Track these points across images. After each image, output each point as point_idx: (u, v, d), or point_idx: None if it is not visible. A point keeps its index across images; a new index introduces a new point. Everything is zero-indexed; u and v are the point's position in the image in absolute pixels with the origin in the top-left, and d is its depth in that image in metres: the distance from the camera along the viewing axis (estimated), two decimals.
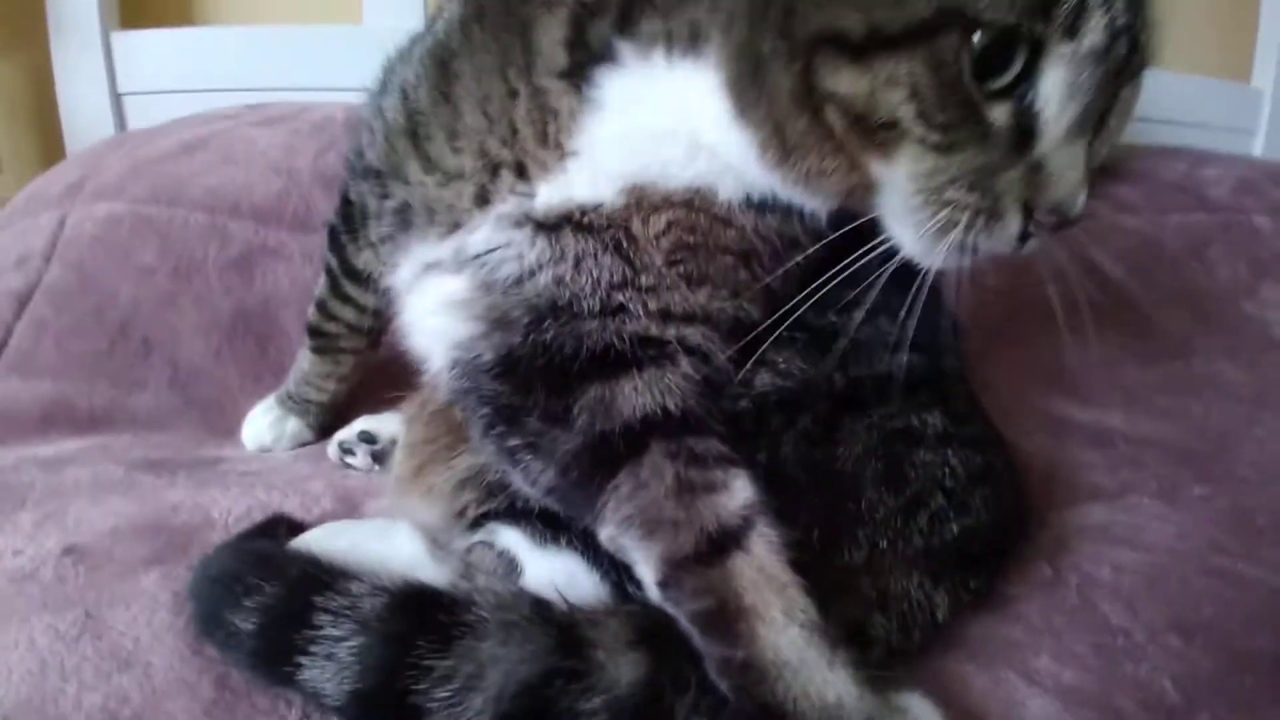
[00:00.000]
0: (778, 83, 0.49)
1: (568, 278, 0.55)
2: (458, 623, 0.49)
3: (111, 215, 1.05)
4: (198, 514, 0.69)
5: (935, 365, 0.63)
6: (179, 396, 0.95)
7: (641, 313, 0.55)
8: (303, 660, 0.49)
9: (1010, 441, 0.69)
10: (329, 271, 0.81)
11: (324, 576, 0.52)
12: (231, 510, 0.70)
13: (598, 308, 0.55)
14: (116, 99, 1.46)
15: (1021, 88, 0.46)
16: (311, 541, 0.62)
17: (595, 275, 0.55)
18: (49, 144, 1.55)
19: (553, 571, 0.55)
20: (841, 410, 0.58)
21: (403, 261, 0.65)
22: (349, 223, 0.74)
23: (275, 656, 0.50)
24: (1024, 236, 0.49)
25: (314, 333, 0.85)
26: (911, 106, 0.46)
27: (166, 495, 0.71)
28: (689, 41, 0.52)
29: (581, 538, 0.55)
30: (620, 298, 0.55)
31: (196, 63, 1.43)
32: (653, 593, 0.52)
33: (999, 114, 0.46)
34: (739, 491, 0.53)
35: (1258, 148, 1.81)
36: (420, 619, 0.50)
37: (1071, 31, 0.44)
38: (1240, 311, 1.21)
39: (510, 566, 0.56)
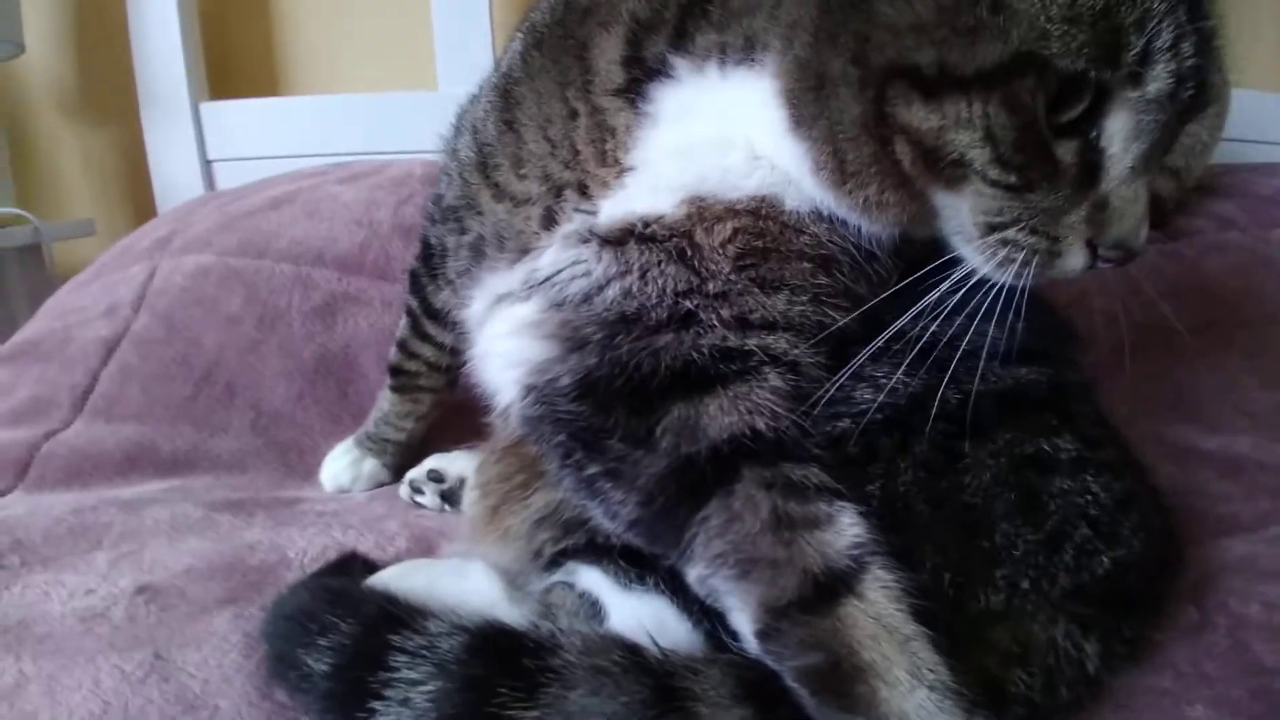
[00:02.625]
0: (844, 107, 0.48)
1: (635, 289, 0.54)
2: (543, 668, 0.46)
3: (200, 267, 1.08)
4: (274, 553, 0.68)
5: (1056, 380, 0.57)
6: (260, 439, 0.96)
7: (716, 321, 0.53)
8: (376, 705, 0.46)
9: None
10: (410, 313, 0.83)
11: (400, 614, 0.50)
12: (307, 550, 0.69)
13: (665, 316, 0.54)
14: (206, 165, 1.53)
15: (1088, 127, 0.46)
16: (387, 580, 0.60)
17: (661, 284, 0.54)
18: (141, 210, 1.63)
19: (639, 616, 0.51)
20: (961, 434, 0.53)
21: (477, 295, 0.65)
22: (429, 264, 0.76)
23: (348, 699, 0.47)
24: (1090, 267, 0.49)
25: (395, 371, 0.87)
26: (985, 150, 0.46)
27: (243, 535, 0.71)
28: (744, 51, 0.52)
29: (670, 579, 0.51)
30: (688, 304, 0.54)
31: (281, 130, 1.50)
32: (751, 644, 0.47)
33: (1065, 152, 0.47)
34: (847, 527, 0.48)
35: None
36: (502, 662, 0.46)
37: (1136, 78, 0.45)
38: None
39: (593, 609, 0.53)
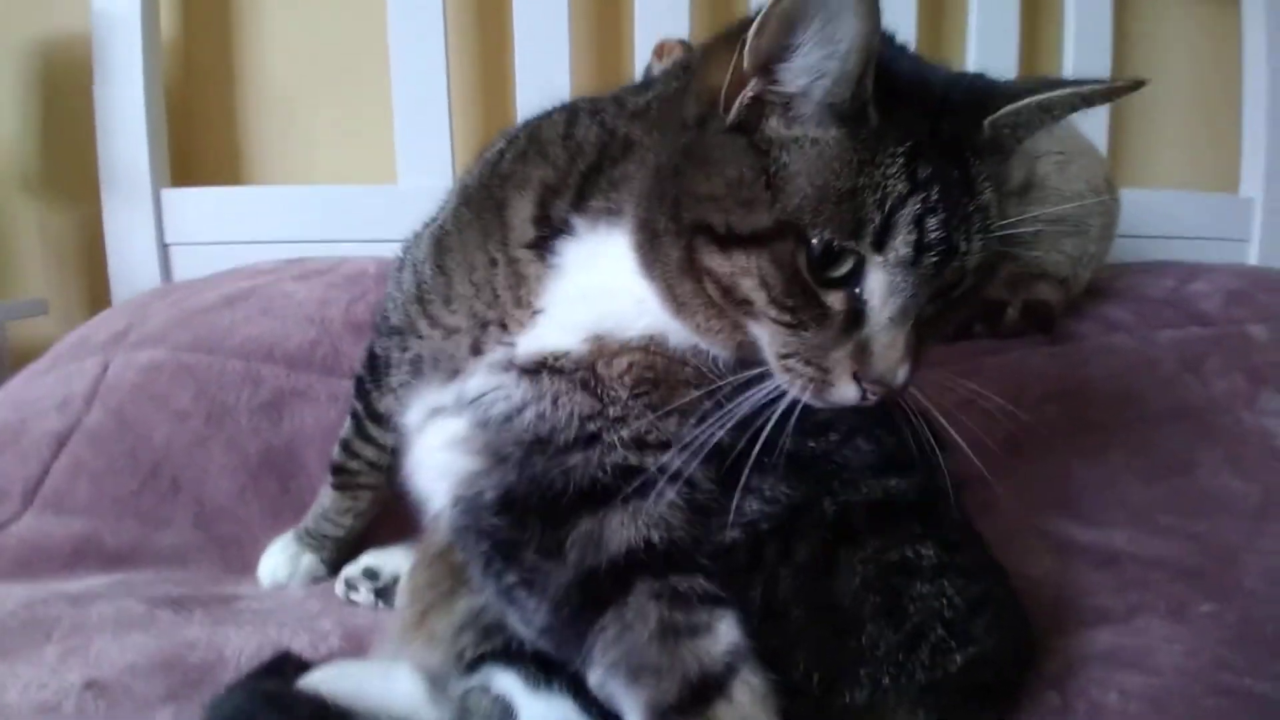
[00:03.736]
0: (668, 253, 0.58)
1: (547, 413, 0.62)
2: None
3: (153, 362, 1.12)
4: (212, 651, 0.72)
5: (924, 487, 0.64)
6: (201, 534, 0.99)
7: (617, 442, 0.60)
8: None
9: (1012, 566, 0.70)
10: (354, 415, 0.88)
11: (329, 717, 0.56)
12: (244, 649, 0.72)
13: (573, 437, 0.61)
14: (163, 249, 1.55)
15: (853, 282, 0.55)
16: (319, 681, 0.65)
17: (569, 409, 0.62)
18: (95, 291, 1.63)
19: (546, 716, 0.57)
20: (837, 542, 0.60)
21: (414, 404, 0.72)
22: (374, 373, 0.83)
23: None
24: (863, 396, 0.57)
25: (337, 470, 0.91)
26: (762, 293, 0.56)
27: (183, 632, 0.74)
28: (615, 214, 0.62)
29: (574, 683, 0.57)
30: (592, 427, 0.61)
31: (241, 218, 1.54)
32: None
33: (835, 300, 0.55)
34: (724, 635, 0.54)
35: (1253, 255, 1.86)
36: None
37: (879, 247, 0.53)
38: (1241, 423, 1.20)
39: (505, 711, 0.58)
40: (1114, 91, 0.61)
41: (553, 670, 0.58)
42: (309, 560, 0.93)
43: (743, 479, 0.60)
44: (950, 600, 0.60)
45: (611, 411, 0.61)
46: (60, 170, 1.67)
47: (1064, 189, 1.34)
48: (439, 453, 0.67)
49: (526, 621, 0.59)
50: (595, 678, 0.55)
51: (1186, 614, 0.80)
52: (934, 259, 0.54)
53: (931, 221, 0.53)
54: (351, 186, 1.57)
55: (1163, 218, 1.79)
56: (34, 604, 0.78)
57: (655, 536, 0.57)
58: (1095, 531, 1.00)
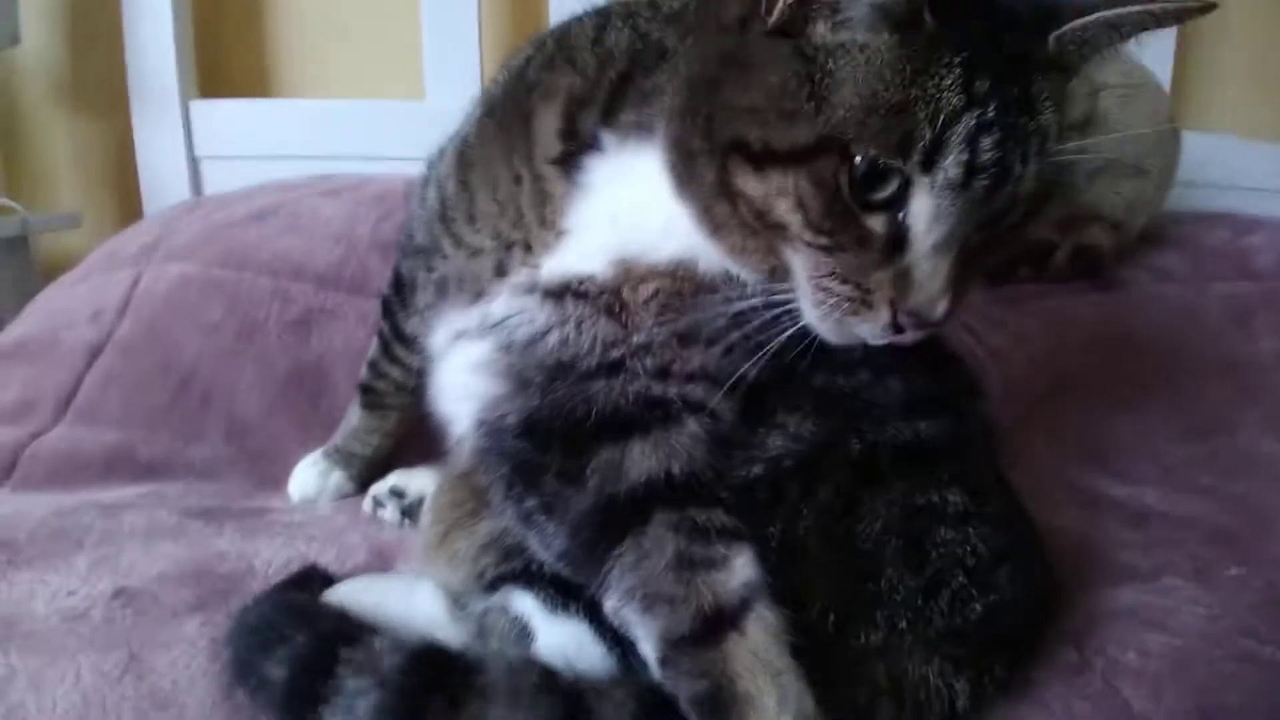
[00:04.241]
0: (703, 174, 0.55)
1: (570, 338, 0.61)
2: (468, 685, 0.52)
3: (183, 276, 1.12)
4: (241, 563, 0.73)
5: (956, 432, 0.63)
6: (233, 448, 1.00)
7: (640, 370, 0.59)
8: (324, 711, 0.52)
9: (1041, 518, 0.69)
10: (381, 336, 0.88)
11: (350, 630, 0.56)
12: (272, 561, 0.73)
13: (596, 365, 0.60)
14: (193, 162, 1.56)
15: (897, 205, 0.51)
16: (343, 595, 0.66)
17: (593, 335, 0.60)
18: (127, 202, 1.65)
19: (563, 639, 0.57)
20: (862, 483, 0.59)
21: (439, 327, 0.71)
22: (400, 293, 0.82)
23: (300, 704, 0.53)
24: (896, 328, 0.54)
25: (365, 390, 0.92)
26: (798, 216, 0.53)
27: (214, 543, 0.76)
28: (647, 129, 0.59)
29: (591, 608, 0.57)
30: (615, 354, 0.60)
31: (268, 131, 1.53)
32: (655, 671, 0.53)
33: (877, 223, 0.52)
34: (739, 569, 0.54)
35: None
36: (434, 678, 0.52)
37: (927, 167, 0.50)
38: None
39: (523, 632, 0.59)
40: (1185, 12, 0.56)
41: (570, 594, 0.58)
42: (338, 477, 0.94)
43: (768, 413, 0.59)
44: (974, 548, 0.59)
45: (636, 339, 0.60)
46: (91, 82, 1.67)
47: (1126, 126, 1.27)
48: (463, 375, 0.67)
49: (546, 545, 0.59)
50: (611, 604, 0.55)
51: (1213, 577, 0.79)
52: (985, 182, 0.51)
53: (986, 141, 0.50)
54: (379, 101, 1.55)
55: (1224, 166, 1.70)
56: (65, 513, 0.79)
57: (676, 468, 0.57)
58: (1127, 487, 0.99)
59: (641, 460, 0.57)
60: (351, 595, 0.65)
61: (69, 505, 0.81)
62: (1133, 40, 0.57)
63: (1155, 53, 1.60)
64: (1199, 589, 0.77)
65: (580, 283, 0.61)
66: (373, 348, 0.90)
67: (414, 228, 0.76)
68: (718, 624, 0.52)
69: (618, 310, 0.61)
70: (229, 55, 1.65)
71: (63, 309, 1.12)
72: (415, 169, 0.79)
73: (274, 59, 1.66)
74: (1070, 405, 1.08)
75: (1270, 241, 1.42)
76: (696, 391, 0.59)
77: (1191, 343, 1.22)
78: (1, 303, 1.51)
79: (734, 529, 0.56)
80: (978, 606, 0.57)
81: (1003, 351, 1.12)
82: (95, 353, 1.04)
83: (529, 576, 0.60)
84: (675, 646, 0.52)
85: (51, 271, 1.38)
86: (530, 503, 0.59)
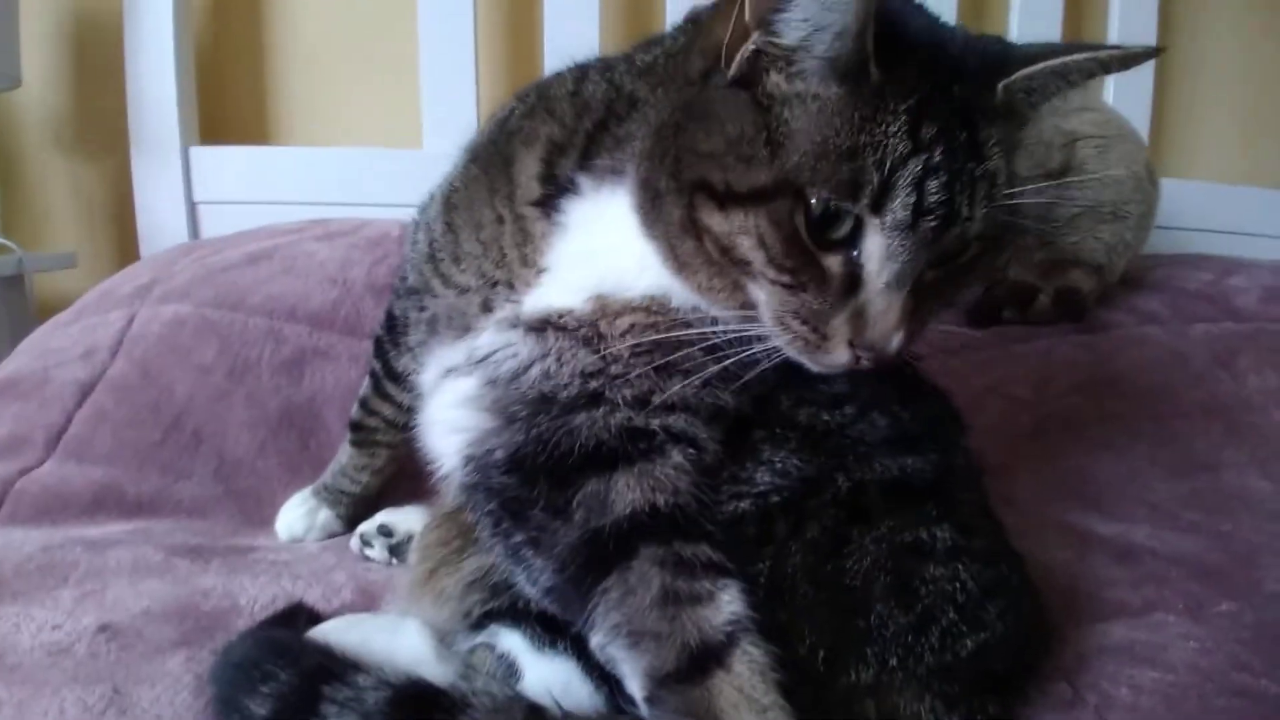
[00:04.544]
0: (670, 212, 0.58)
1: (552, 370, 0.62)
2: None
3: (177, 317, 1.13)
4: (226, 600, 0.73)
5: (942, 466, 0.63)
6: (221, 487, 1.00)
7: (620, 401, 0.60)
8: None
9: (1031, 556, 0.68)
10: (373, 374, 0.90)
11: (334, 668, 0.56)
12: (258, 599, 0.73)
13: (576, 394, 0.61)
14: (191, 207, 1.58)
15: (851, 245, 0.54)
16: (328, 632, 0.66)
17: (573, 366, 0.62)
18: (123, 245, 1.67)
19: (550, 677, 0.57)
20: (850, 521, 0.59)
21: (430, 364, 0.73)
22: (392, 332, 0.83)
23: None
24: (856, 361, 0.56)
25: (355, 427, 0.93)
26: (760, 253, 0.55)
27: (199, 581, 0.76)
28: (621, 174, 0.61)
29: (577, 645, 0.57)
30: (594, 385, 0.61)
31: (267, 178, 1.55)
32: (642, 709, 0.53)
33: (833, 262, 0.55)
34: (725, 605, 0.54)
35: None
36: (419, 715, 0.52)
37: (877, 209, 0.52)
38: (1271, 421, 1.17)
39: (510, 670, 0.58)
40: (1130, 58, 0.59)
41: (557, 632, 0.58)
42: (326, 515, 0.94)
43: (752, 447, 0.60)
44: (963, 584, 0.59)
45: (614, 369, 0.61)
46: (91, 125, 1.70)
47: (1103, 174, 1.31)
48: (451, 411, 0.68)
49: (533, 581, 0.59)
50: (597, 640, 0.55)
51: (1204, 612, 0.79)
52: (933, 223, 0.53)
53: (932, 184, 0.52)
54: (377, 149, 1.58)
55: (1203, 211, 1.75)
56: (52, 548, 0.80)
57: (661, 501, 0.57)
58: (1115, 525, 0.99)
59: (626, 493, 0.57)
60: (336, 633, 0.65)
61: (56, 541, 0.81)
62: (1087, 86, 0.59)
63: (1133, 101, 1.65)
64: (1190, 624, 0.77)
65: (560, 316, 0.63)
66: (364, 385, 0.92)
67: (406, 270, 0.78)
68: (704, 661, 0.52)
69: (595, 341, 0.62)
70: (230, 102, 1.68)
71: (55, 347, 1.13)
72: (411, 215, 0.81)
73: (274, 107, 1.70)
74: (1056, 445, 1.09)
75: (1251, 282, 1.44)
76: (678, 422, 0.60)
77: (1176, 383, 1.23)
78: None
79: (720, 564, 0.56)
80: (968, 643, 0.57)
81: (986, 393, 1.14)
82: (86, 391, 1.05)
83: (515, 614, 0.60)
84: (661, 684, 0.52)
85: (47, 311, 1.39)
86: (517, 537, 0.60)
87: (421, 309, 0.74)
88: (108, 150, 1.65)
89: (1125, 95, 1.66)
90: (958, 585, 0.58)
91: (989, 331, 1.28)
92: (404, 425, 0.89)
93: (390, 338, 0.84)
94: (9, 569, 0.75)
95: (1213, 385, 1.23)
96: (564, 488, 0.58)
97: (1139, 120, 1.63)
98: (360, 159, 1.56)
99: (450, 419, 0.68)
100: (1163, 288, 1.44)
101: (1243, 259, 1.60)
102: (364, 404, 0.91)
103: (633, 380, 0.61)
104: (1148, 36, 1.72)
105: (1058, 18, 1.68)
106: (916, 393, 0.66)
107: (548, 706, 0.53)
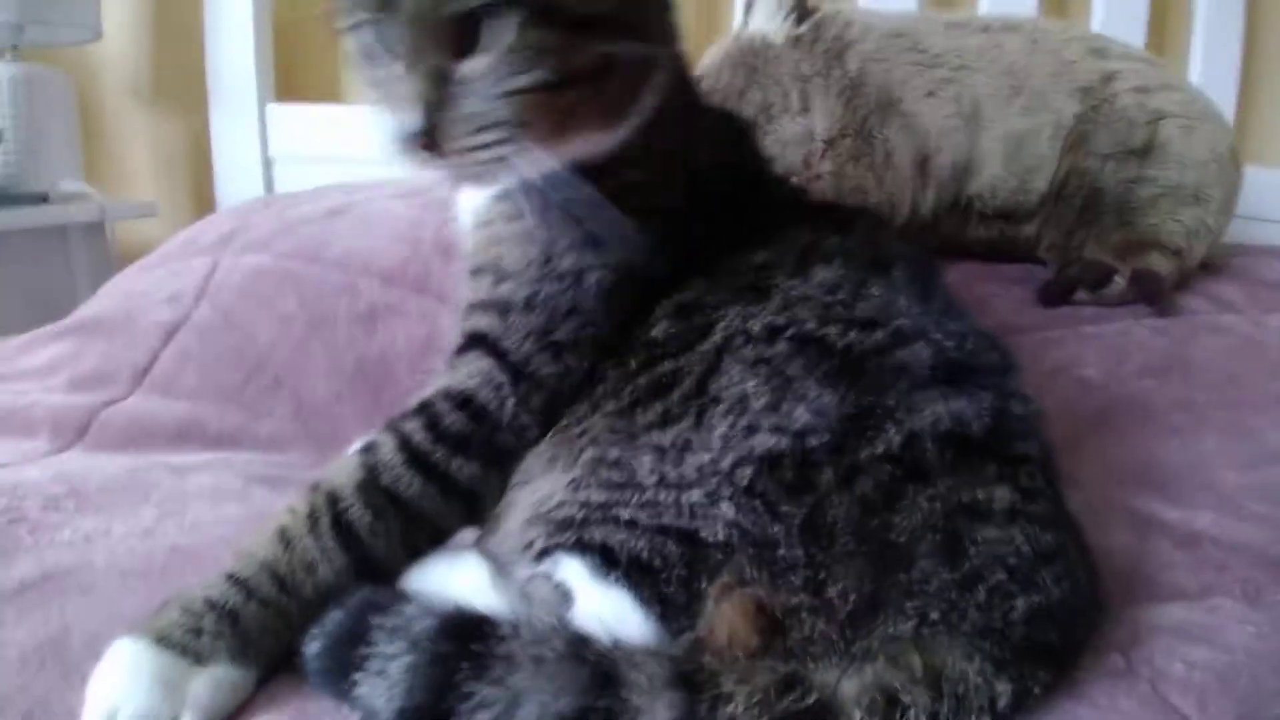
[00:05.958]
0: None
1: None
2: (491, 653, 0.53)
3: (258, 266, 1.17)
4: None
5: (997, 413, 0.62)
6: (300, 427, 1.04)
7: None
8: (358, 677, 0.54)
9: (1091, 534, 0.68)
10: None
11: (381, 600, 0.58)
12: None
13: None
14: (266, 162, 1.62)
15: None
16: None
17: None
18: (201, 197, 1.72)
19: (603, 605, 0.57)
20: (906, 478, 0.58)
21: None
22: None
23: (337, 671, 0.55)
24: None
25: None
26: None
27: (277, 507, 0.78)
28: None
29: (635, 573, 0.58)
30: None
31: (339, 135, 1.56)
32: None
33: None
34: None
35: None
36: (464, 643, 0.53)
37: None
38: None
39: (564, 598, 0.59)
40: None
41: (615, 563, 0.58)
42: None
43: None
44: (1019, 548, 0.58)
45: None
46: (170, 79, 1.74)
47: (1187, 155, 1.26)
48: None
49: None
50: None
51: (1262, 599, 0.78)
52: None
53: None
54: None
55: (1272, 200, 1.67)
56: (136, 470, 0.83)
57: None
58: (1179, 511, 0.96)
59: None
60: None
61: (140, 464, 0.85)
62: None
63: (1219, 84, 1.59)
64: (1247, 610, 0.76)
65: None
66: None
67: None
68: None
69: None
70: (305, 61, 1.72)
71: (140, 290, 1.18)
72: None
73: (349, 67, 1.73)
74: (1124, 428, 1.07)
75: None
76: None
77: (1252, 372, 1.19)
78: (78, 285, 1.59)
79: None
80: (1019, 603, 0.56)
81: (1055, 373, 1.12)
82: (172, 332, 1.09)
83: (579, 545, 0.60)
84: None
85: (126, 257, 1.44)
86: None
87: None
88: (186, 104, 1.70)
89: (1211, 77, 1.60)
90: (1013, 547, 0.58)
91: (1061, 310, 1.26)
92: None
93: None
94: (93, 486, 0.78)
95: None
96: None
97: (1225, 103, 1.57)
98: None
99: None
100: (1242, 276, 1.40)
101: None
102: None
103: None
104: (1235, 17, 1.65)
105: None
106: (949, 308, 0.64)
107: (593, 637, 0.54)
